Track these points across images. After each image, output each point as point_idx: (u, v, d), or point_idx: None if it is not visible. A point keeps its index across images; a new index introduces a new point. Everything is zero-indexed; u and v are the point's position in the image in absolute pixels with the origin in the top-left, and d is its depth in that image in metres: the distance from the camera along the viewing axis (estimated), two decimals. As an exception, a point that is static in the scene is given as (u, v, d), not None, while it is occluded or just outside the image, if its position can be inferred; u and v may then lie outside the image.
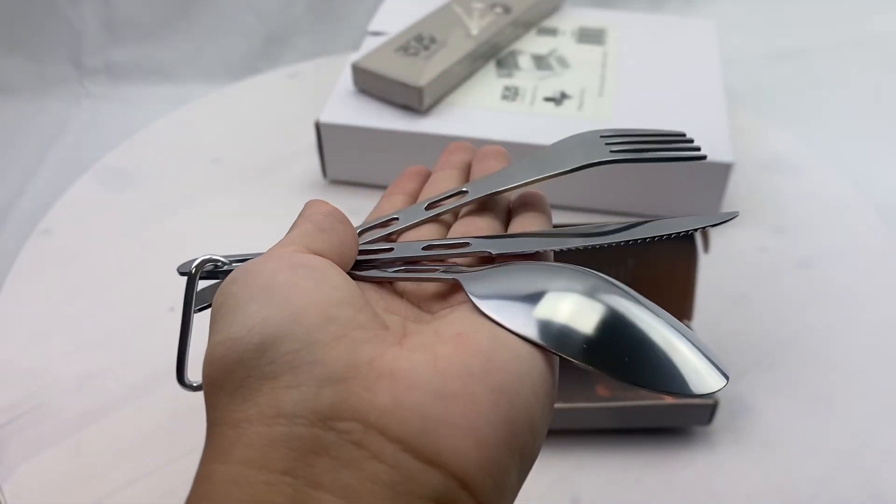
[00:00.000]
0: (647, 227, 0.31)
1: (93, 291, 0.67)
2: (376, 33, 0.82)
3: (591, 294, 0.27)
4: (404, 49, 0.75)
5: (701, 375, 0.26)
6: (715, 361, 0.26)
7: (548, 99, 0.75)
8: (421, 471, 0.23)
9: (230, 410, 0.25)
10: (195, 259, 0.33)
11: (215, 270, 0.33)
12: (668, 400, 0.56)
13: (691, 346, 0.26)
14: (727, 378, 0.26)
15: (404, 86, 0.72)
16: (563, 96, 0.75)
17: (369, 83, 0.75)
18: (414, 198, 0.39)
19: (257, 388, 0.24)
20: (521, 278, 0.29)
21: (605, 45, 0.83)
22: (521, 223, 0.35)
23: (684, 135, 0.35)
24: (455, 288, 0.31)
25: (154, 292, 0.66)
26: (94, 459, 0.54)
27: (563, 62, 0.80)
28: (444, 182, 0.38)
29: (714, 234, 0.71)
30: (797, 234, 0.73)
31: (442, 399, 0.24)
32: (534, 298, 0.27)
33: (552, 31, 0.85)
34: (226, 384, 0.25)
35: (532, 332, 0.26)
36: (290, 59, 1.26)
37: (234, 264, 0.33)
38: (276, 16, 1.32)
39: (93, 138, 1.22)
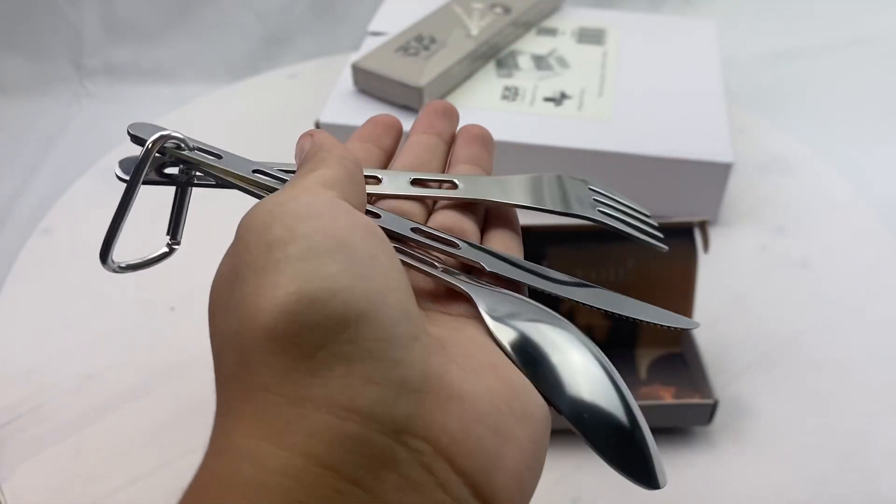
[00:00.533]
0: (619, 301, 0.31)
1: (93, 291, 0.67)
2: (376, 33, 0.82)
3: (593, 366, 0.27)
4: (404, 49, 0.75)
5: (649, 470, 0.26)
6: (657, 463, 0.26)
7: (548, 99, 0.75)
8: None
9: (291, 380, 0.21)
10: (155, 130, 0.31)
11: (174, 150, 0.32)
12: (668, 400, 0.56)
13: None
14: (661, 486, 0.25)
15: (404, 86, 0.72)
16: (563, 96, 0.75)
17: (369, 83, 0.75)
18: (389, 154, 0.36)
19: (329, 367, 0.21)
20: (537, 325, 0.27)
21: (605, 46, 0.83)
22: (498, 239, 0.33)
23: (650, 216, 0.38)
24: (449, 291, 0.30)
25: (154, 292, 0.66)
26: (94, 459, 0.54)
27: (562, 62, 0.80)
28: (426, 152, 0.36)
29: (714, 234, 0.71)
30: (797, 234, 0.73)
31: (498, 437, 0.22)
32: (547, 356, 0.27)
33: (552, 32, 0.85)
34: (291, 346, 0.21)
35: (544, 389, 0.26)
36: (290, 59, 1.26)
37: (196, 152, 0.32)
38: (276, 16, 1.32)
39: (93, 138, 1.22)
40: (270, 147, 0.83)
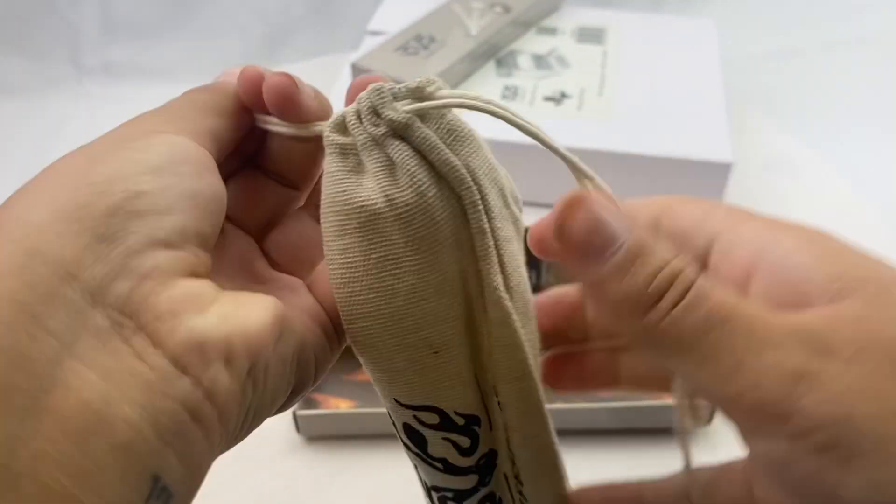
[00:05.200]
0: None
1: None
2: (375, 33, 0.82)
3: None
4: (404, 48, 0.75)
5: None
6: None
7: (547, 98, 0.75)
8: (177, 377, 0.23)
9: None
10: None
11: None
12: (668, 400, 0.56)
13: None
14: None
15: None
16: (563, 96, 0.75)
17: (369, 83, 0.74)
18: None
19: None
20: None
21: (605, 45, 0.83)
22: None
23: None
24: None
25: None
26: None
27: (562, 61, 0.80)
28: None
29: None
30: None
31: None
32: None
33: (552, 31, 0.85)
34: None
35: None
36: (289, 58, 1.26)
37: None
38: (275, 15, 1.32)
39: (92, 137, 1.22)
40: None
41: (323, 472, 0.54)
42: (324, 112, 0.30)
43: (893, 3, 1.30)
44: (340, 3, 1.31)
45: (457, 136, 0.27)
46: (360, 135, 0.27)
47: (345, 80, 0.77)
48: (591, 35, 0.84)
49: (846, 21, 1.30)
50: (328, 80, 0.79)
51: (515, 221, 0.29)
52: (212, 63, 1.31)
